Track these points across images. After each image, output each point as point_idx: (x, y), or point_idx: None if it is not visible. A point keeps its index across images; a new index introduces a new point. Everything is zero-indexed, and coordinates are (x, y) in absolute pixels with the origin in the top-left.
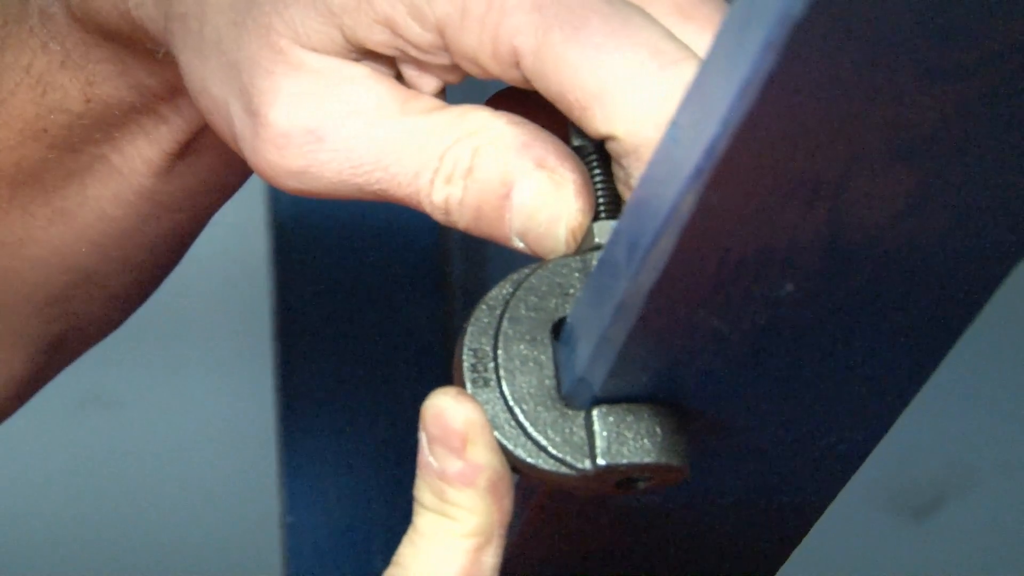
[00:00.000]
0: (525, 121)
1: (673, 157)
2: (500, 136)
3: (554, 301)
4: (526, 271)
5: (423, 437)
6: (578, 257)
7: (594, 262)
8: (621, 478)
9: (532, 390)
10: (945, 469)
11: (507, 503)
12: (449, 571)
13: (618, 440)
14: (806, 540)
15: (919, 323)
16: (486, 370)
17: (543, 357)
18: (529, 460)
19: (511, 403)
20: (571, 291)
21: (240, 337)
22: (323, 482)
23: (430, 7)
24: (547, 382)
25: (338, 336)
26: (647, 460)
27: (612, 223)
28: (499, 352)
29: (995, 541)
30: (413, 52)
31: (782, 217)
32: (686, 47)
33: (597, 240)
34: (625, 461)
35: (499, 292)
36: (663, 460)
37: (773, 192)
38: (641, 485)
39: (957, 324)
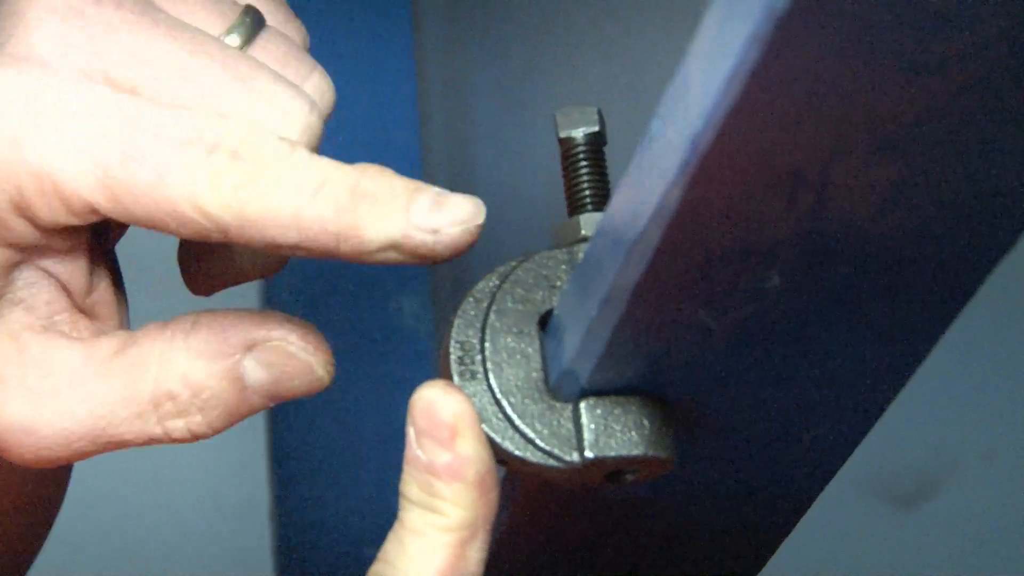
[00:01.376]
0: (195, 321)
1: (657, 150)
2: (183, 363)
3: (541, 293)
4: (512, 264)
5: (411, 430)
6: (564, 249)
7: (580, 255)
8: (609, 470)
9: (519, 382)
10: (931, 458)
11: (493, 497)
12: (435, 565)
13: (606, 432)
14: (797, 530)
15: (905, 316)
16: (473, 363)
17: (530, 349)
18: (517, 453)
19: (498, 396)
20: (558, 283)
21: None
22: (313, 475)
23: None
24: (534, 374)
25: (325, 327)
26: (635, 452)
27: (598, 215)
28: (486, 345)
29: (981, 529)
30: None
31: (766, 210)
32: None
33: (583, 232)
34: (613, 453)
35: (486, 285)
36: (651, 452)
37: (757, 185)
38: (629, 477)
39: (943, 317)
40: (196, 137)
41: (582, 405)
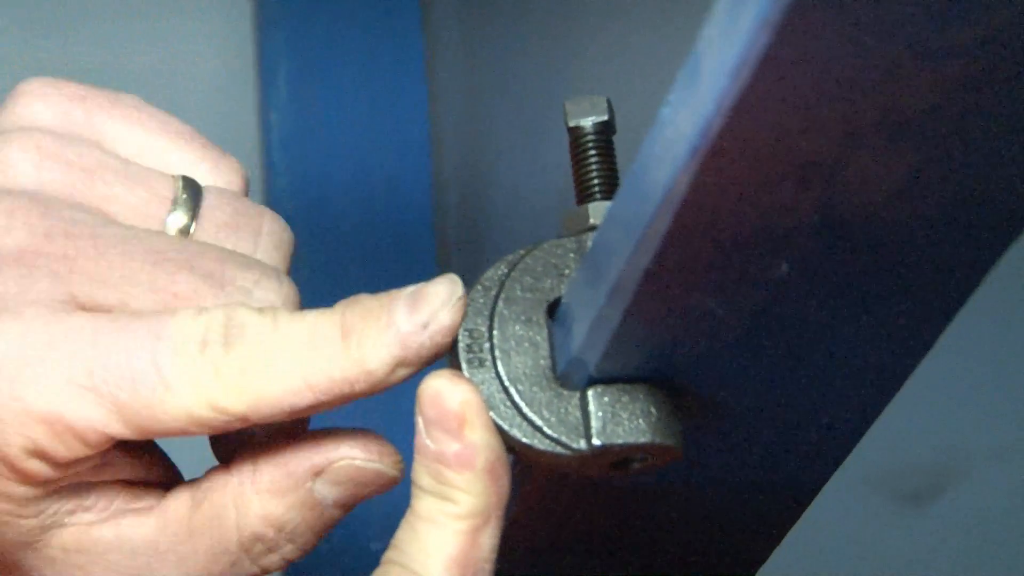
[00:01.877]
0: (255, 461)
1: (667, 136)
2: (259, 505)
3: (549, 282)
4: (521, 252)
5: (419, 420)
6: (573, 238)
7: (589, 243)
8: (616, 458)
9: (527, 370)
10: (939, 456)
11: (504, 484)
12: (447, 552)
13: (613, 420)
14: (803, 526)
15: (913, 304)
16: (481, 350)
17: (538, 337)
18: (525, 440)
19: (506, 383)
20: (566, 272)
21: None
22: None
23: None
24: (542, 362)
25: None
26: (642, 440)
27: (607, 204)
28: (495, 332)
29: (989, 527)
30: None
31: (777, 197)
32: None
33: (592, 221)
34: (620, 441)
35: (495, 272)
36: (658, 440)
37: (767, 172)
38: (636, 465)
39: (951, 306)
40: (185, 338)
41: (590, 393)
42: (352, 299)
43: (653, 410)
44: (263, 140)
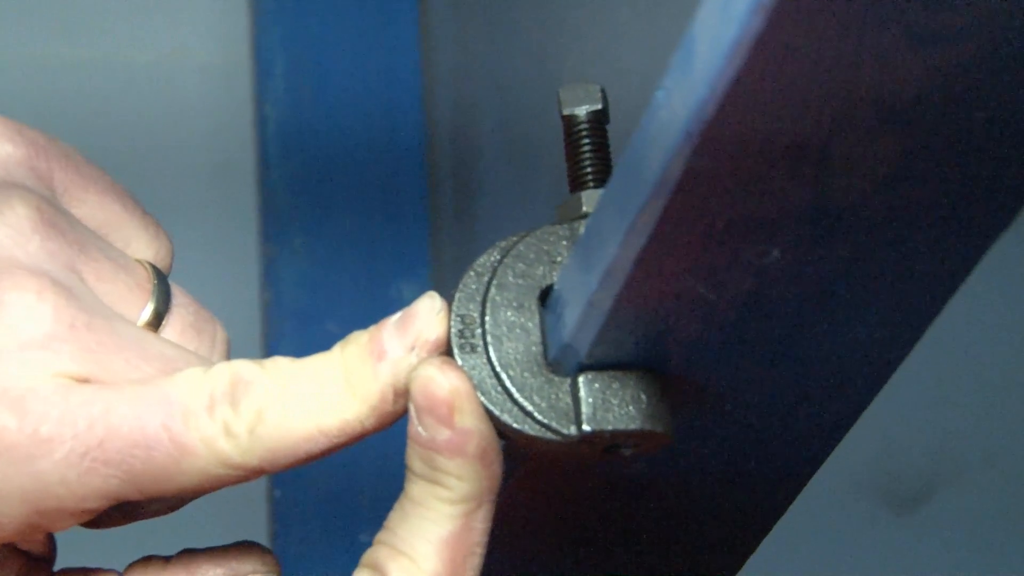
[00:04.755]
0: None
1: (660, 120)
2: None
3: (541, 268)
4: (514, 238)
5: (411, 407)
6: (566, 225)
7: (582, 230)
8: (606, 444)
9: (519, 356)
10: (930, 460)
11: (496, 468)
12: (439, 536)
13: (603, 406)
14: (796, 531)
15: (903, 292)
16: (473, 336)
17: (530, 324)
18: (515, 426)
19: (498, 369)
20: (558, 258)
21: (230, 305)
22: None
23: None
24: (534, 348)
25: (326, 313)
26: (632, 426)
27: (600, 192)
28: (486, 318)
29: (980, 531)
30: None
31: (769, 182)
32: None
33: (585, 209)
34: (610, 427)
35: (487, 259)
36: (648, 427)
37: (760, 156)
38: (626, 451)
39: (941, 292)
40: (193, 400)
41: (580, 379)
42: (348, 338)
43: (643, 396)
44: (256, 80)
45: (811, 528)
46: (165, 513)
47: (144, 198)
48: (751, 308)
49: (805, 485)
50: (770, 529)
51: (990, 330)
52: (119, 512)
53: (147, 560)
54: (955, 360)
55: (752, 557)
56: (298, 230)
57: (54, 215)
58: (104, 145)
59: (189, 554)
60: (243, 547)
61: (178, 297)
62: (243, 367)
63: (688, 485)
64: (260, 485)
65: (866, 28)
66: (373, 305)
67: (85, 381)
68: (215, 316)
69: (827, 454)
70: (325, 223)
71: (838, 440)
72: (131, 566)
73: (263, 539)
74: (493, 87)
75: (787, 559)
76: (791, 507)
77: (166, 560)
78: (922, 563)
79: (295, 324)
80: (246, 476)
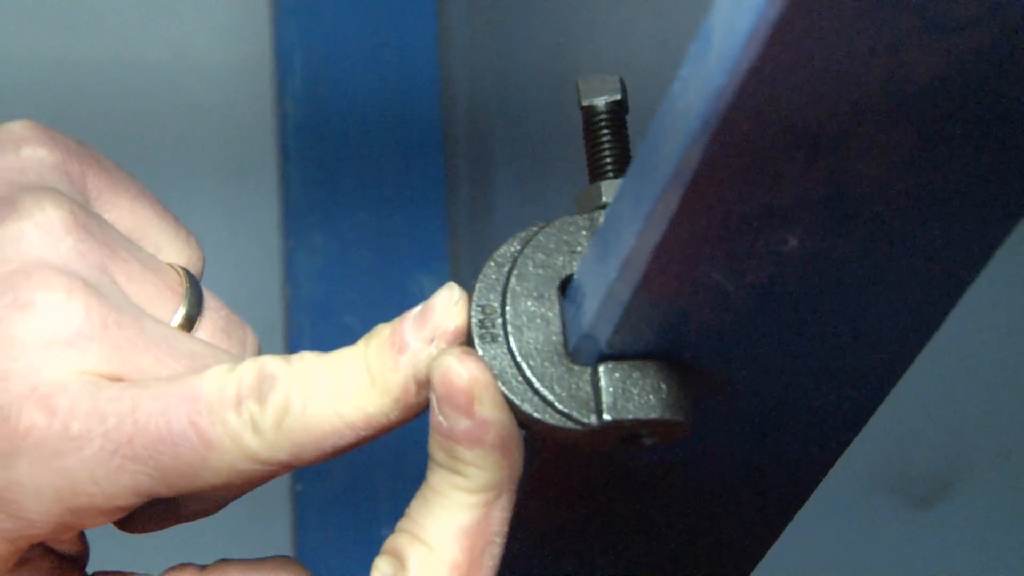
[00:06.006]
0: None
1: (678, 110)
2: None
3: (561, 258)
4: (534, 229)
5: (432, 397)
6: (585, 216)
7: (601, 220)
8: (626, 433)
9: (539, 346)
10: (947, 457)
11: (516, 459)
12: (459, 525)
13: (623, 396)
14: (814, 526)
15: (921, 279)
16: (494, 326)
17: (550, 313)
18: (535, 415)
19: (518, 359)
20: (578, 249)
21: (251, 295)
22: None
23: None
24: (554, 338)
25: (345, 305)
26: (652, 416)
27: (619, 183)
28: (507, 308)
29: (996, 527)
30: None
31: (785, 170)
32: None
33: (604, 199)
34: (630, 416)
35: (507, 249)
36: (667, 416)
37: (776, 145)
38: (646, 441)
39: (959, 280)
40: (220, 396)
41: (600, 368)
42: (371, 332)
43: (663, 386)
44: (275, 77)
45: (829, 524)
46: (203, 516)
47: (165, 195)
48: (769, 296)
49: (824, 477)
50: (788, 523)
51: (1005, 327)
52: (156, 515)
53: (182, 567)
54: (971, 357)
55: (770, 552)
56: (318, 225)
57: (86, 218)
58: (124, 143)
59: (225, 564)
60: (278, 561)
61: (209, 301)
62: (269, 362)
63: (706, 477)
64: (282, 480)
65: (882, 16)
66: (393, 298)
67: (115, 378)
68: (241, 318)
69: (846, 445)
70: (344, 218)
71: (857, 430)
72: (167, 572)
73: (286, 533)
74: (509, 81)
75: (805, 555)
76: (809, 503)
77: (201, 568)
78: (939, 558)
79: (315, 318)
80: (274, 471)
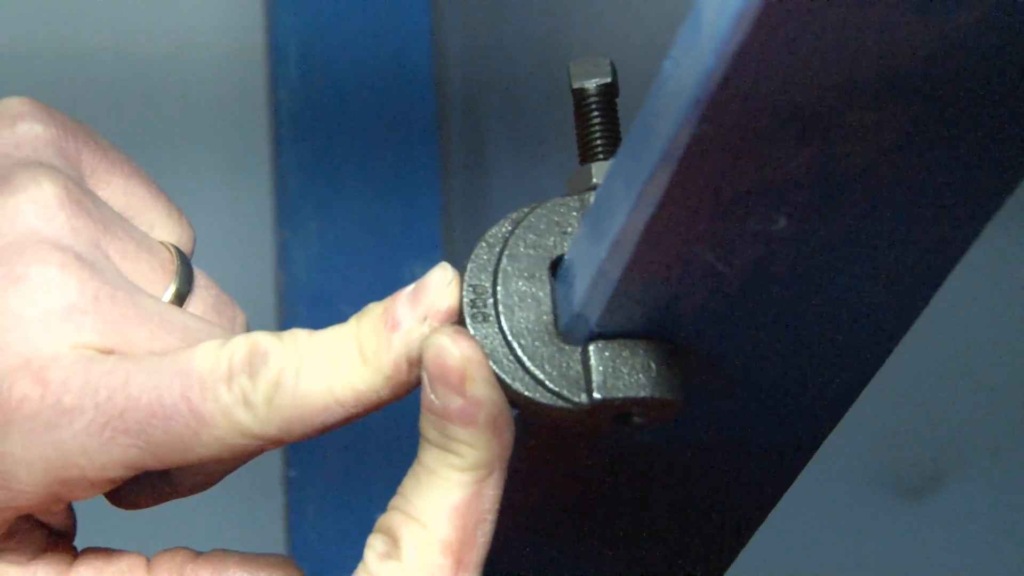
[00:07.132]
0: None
1: (669, 89)
2: None
3: (552, 239)
4: (525, 210)
5: (424, 376)
6: (576, 196)
7: (591, 201)
8: (616, 412)
9: (530, 325)
10: (940, 450)
11: (507, 437)
12: (450, 503)
13: (614, 374)
14: (806, 519)
15: (909, 260)
16: (485, 306)
17: (541, 293)
18: (527, 394)
19: (509, 338)
20: (569, 229)
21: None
22: (323, 438)
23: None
24: (545, 318)
25: (340, 294)
26: (642, 394)
27: (610, 163)
28: (498, 288)
29: (988, 521)
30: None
31: (775, 150)
32: None
33: (595, 181)
34: (620, 395)
35: (498, 230)
36: (657, 394)
37: (767, 123)
38: (637, 420)
39: (946, 259)
40: (212, 371)
41: (591, 348)
42: (364, 310)
43: (653, 365)
44: (270, 65)
45: (821, 517)
46: (196, 491)
47: (160, 182)
48: (759, 276)
49: (810, 459)
50: (775, 503)
51: (997, 319)
52: (149, 491)
53: (177, 550)
54: (961, 350)
55: (762, 546)
56: (312, 213)
57: (80, 194)
58: (119, 132)
59: (221, 554)
60: (275, 559)
61: (200, 279)
62: (261, 338)
63: (696, 457)
64: (275, 465)
65: None
66: (386, 286)
67: (108, 352)
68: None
69: (832, 426)
70: (339, 205)
71: (845, 410)
72: (160, 553)
73: (278, 519)
74: (503, 65)
75: (797, 547)
76: (802, 496)
77: (196, 554)
78: (931, 551)
79: (309, 306)
80: (264, 446)
